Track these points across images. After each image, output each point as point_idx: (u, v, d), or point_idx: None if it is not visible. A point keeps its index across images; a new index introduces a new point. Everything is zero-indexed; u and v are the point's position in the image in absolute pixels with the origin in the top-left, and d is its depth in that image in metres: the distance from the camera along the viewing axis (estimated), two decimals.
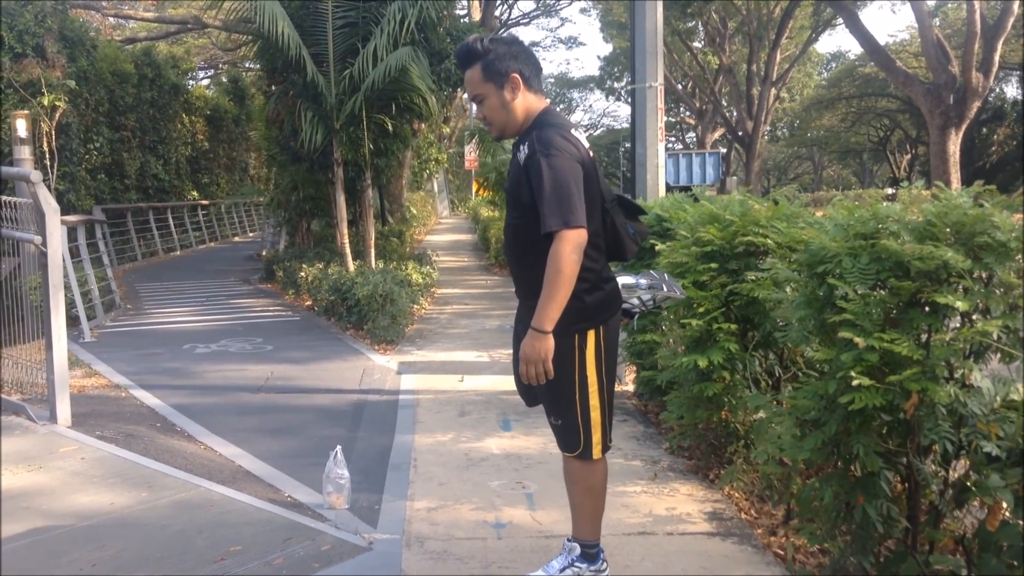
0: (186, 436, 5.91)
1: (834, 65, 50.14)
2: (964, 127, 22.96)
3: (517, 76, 2.93)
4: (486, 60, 2.93)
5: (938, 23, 32.87)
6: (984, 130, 33.48)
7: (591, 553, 3.14)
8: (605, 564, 3.17)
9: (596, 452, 3.02)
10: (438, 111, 14.32)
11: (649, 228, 5.17)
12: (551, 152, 2.77)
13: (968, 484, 2.76)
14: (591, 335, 2.96)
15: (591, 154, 2.94)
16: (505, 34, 2.95)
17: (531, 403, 3.28)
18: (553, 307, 2.73)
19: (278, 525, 3.96)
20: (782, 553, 3.51)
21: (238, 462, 5.27)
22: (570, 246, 2.70)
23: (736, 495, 4.20)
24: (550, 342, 2.77)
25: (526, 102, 2.97)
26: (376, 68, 10.97)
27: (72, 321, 9.88)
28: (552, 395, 3.03)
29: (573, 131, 2.93)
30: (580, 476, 3.10)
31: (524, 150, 2.91)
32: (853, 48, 53.56)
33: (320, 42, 11.87)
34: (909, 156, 43.98)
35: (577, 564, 3.13)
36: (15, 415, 5.95)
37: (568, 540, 3.18)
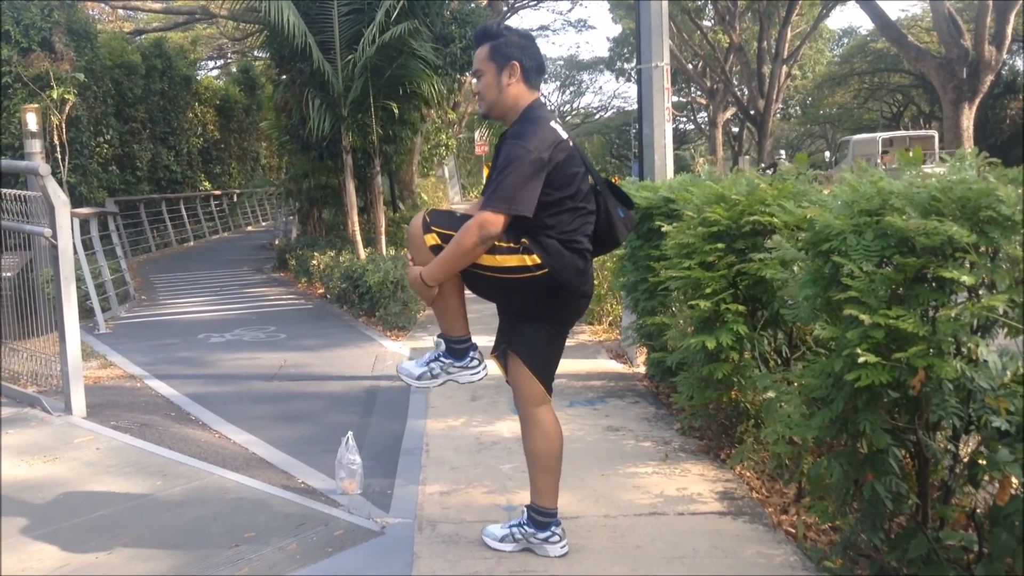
0: (200, 424, 5.95)
1: (846, 41, 49.67)
2: (977, 101, 22.76)
3: (517, 64, 3.15)
4: (496, 42, 3.18)
5: None
6: (997, 104, 33.13)
7: (542, 521, 3.32)
8: (556, 536, 3.33)
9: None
10: (444, 95, 14.28)
11: (657, 209, 5.20)
12: (518, 142, 3.00)
13: (978, 459, 2.75)
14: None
15: (572, 143, 3.16)
16: (522, 28, 3.40)
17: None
18: (442, 269, 3.07)
19: (291, 511, 3.99)
20: (793, 531, 3.51)
21: (252, 449, 5.31)
22: (486, 229, 2.95)
23: (747, 474, 4.20)
24: (429, 291, 3.15)
25: (517, 90, 3.19)
26: (373, 44, 10.93)
27: (87, 313, 9.97)
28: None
29: (553, 123, 3.13)
30: (537, 452, 3.30)
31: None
32: (864, 24, 53.07)
33: (326, 29, 11.86)
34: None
35: (526, 527, 3.35)
36: (31, 407, 6.01)
37: (526, 507, 3.40)
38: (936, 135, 26.26)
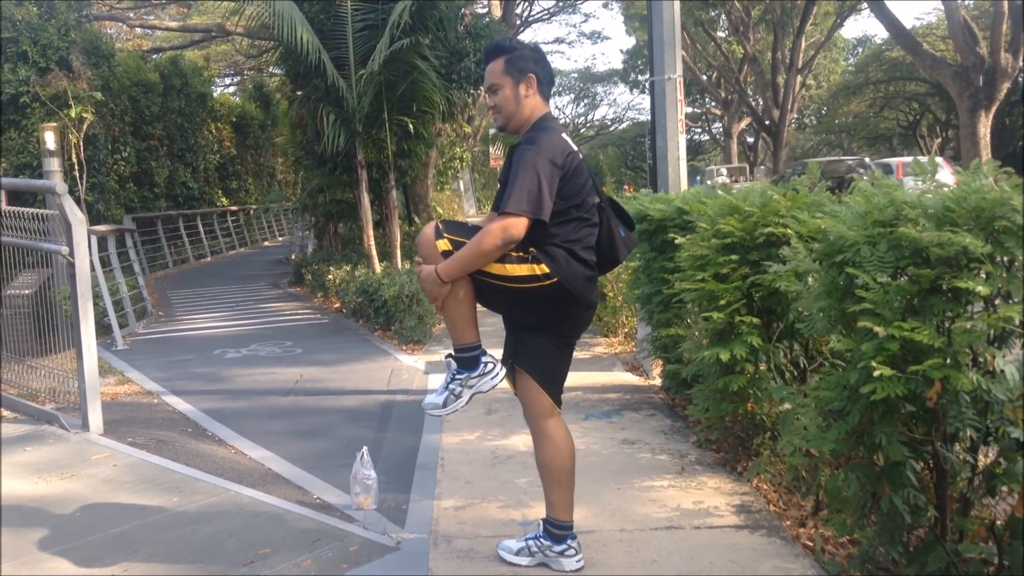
0: (216, 440, 5.97)
1: (860, 50, 49.49)
2: (994, 109, 22.61)
3: (533, 76, 3.23)
4: (511, 56, 3.24)
5: (970, 3, 32.42)
6: (1014, 112, 32.89)
7: (558, 534, 3.33)
8: (572, 549, 3.34)
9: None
10: (459, 108, 14.31)
11: (671, 220, 5.18)
12: (532, 147, 3.05)
13: (996, 471, 2.72)
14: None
15: (580, 156, 3.21)
16: (530, 41, 3.50)
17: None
18: (458, 266, 3.04)
19: (307, 527, 3.99)
20: (811, 545, 3.48)
21: (267, 465, 5.32)
22: (509, 232, 2.95)
23: (764, 487, 4.16)
24: (442, 289, 3.09)
25: (533, 102, 3.25)
26: (382, 58, 10.98)
27: (105, 329, 10.03)
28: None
29: (563, 135, 3.20)
30: (549, 465, 3.31)
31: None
32: (879, 32, 52.84)
33: (340, 46, 11.93)
34: (940, 140, 43.36)
35: (542, 539, 3.36)
36: (48, 424, 6.04)
37: (542, 520, 3.42)
38: (748, 166, 33.78)
